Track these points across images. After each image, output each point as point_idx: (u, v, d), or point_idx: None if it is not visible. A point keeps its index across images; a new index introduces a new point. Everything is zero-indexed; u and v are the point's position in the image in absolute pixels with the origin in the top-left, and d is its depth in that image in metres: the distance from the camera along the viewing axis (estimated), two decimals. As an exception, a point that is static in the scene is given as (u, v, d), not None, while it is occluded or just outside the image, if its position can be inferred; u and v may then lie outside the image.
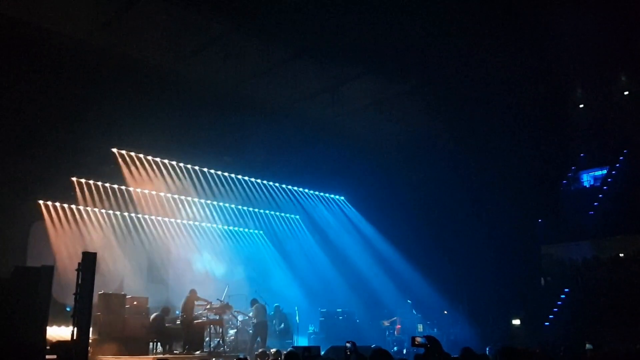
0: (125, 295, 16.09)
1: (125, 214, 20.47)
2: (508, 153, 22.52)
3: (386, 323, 20.82)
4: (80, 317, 11.15)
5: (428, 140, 22.25)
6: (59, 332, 13.45)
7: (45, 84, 15.10)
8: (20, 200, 16.76)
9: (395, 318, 20.88)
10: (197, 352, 15.41)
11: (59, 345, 11.14)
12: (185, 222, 21.96)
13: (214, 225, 22.81)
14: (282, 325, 19.02)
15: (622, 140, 24.64)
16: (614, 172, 25.25)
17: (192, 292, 16.59)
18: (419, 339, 7.68)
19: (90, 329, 11.95)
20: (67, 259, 16.84)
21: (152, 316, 16.06)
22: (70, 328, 11.10)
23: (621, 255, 22.07)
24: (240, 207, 22.79)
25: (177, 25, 15.76)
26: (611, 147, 25.25)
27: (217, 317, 16.48)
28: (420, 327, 21.20)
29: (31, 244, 17.38)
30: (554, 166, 25.21)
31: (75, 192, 18.62)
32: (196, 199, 21.20)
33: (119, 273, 19.37)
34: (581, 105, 25.11)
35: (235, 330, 17.74)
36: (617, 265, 21.77)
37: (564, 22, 16.81)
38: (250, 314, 17.60)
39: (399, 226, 23.12)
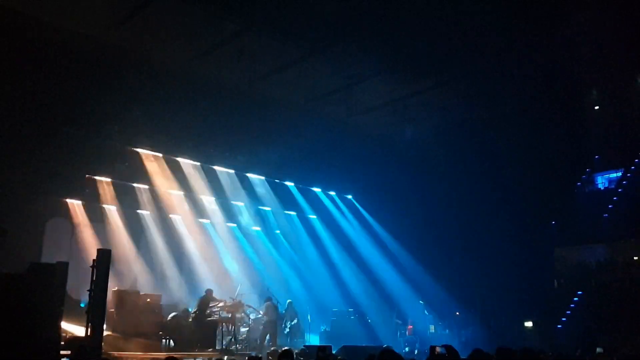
0: (138, 292, 16.23)
1: (139, 211, 20.64)
2: (522, 154, 22.37)
3: (409, 327, 20.94)
4: (95, 314, 11.29)
5: (441, 140, 22.18)
6: (74, 328, 13.58)
7: (61, 82, 15.22)
8: (35, 197, 16.88)
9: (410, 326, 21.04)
10: (209, 350, 15.50)
11: (73, 341, 11.27)
12: (199, 220, 22.05)
13: (227, 224, 22.88)
14: (295, 320, 18.97)
15: (638, 142, 24.39)
16: (629, 174, 24.97)
17: (209, 291, 16.81)
18: (438, 349, 7.93)
19: (104, 325, 12.08)
20: (81, 256, 16.98)
21: (170, 316, 16.17)
22: (85, 324, 11.23)
23: (635, 258, 21.86)
24: (252, 205, 22.85)
25: (192, 24, 15.86)
26: (626, 150, 24.99)
27: (230, 315, 16.56)
28: (432, 328, 21.21)
29: (46, 241, 17.58)
30: (569, 168, 25.00)
31: (90, 189, 18.79)
32: (210, 198, 21.28)
33: (133, 270, 19.54)
34: (596, 107, 24.90)
35: (248, 328, 17.82)
36: (631, 268, 21.57)
37: (580, 23, 16.72)
38: (262, 312, 17.70)
39: (412, 227, 23.11)
